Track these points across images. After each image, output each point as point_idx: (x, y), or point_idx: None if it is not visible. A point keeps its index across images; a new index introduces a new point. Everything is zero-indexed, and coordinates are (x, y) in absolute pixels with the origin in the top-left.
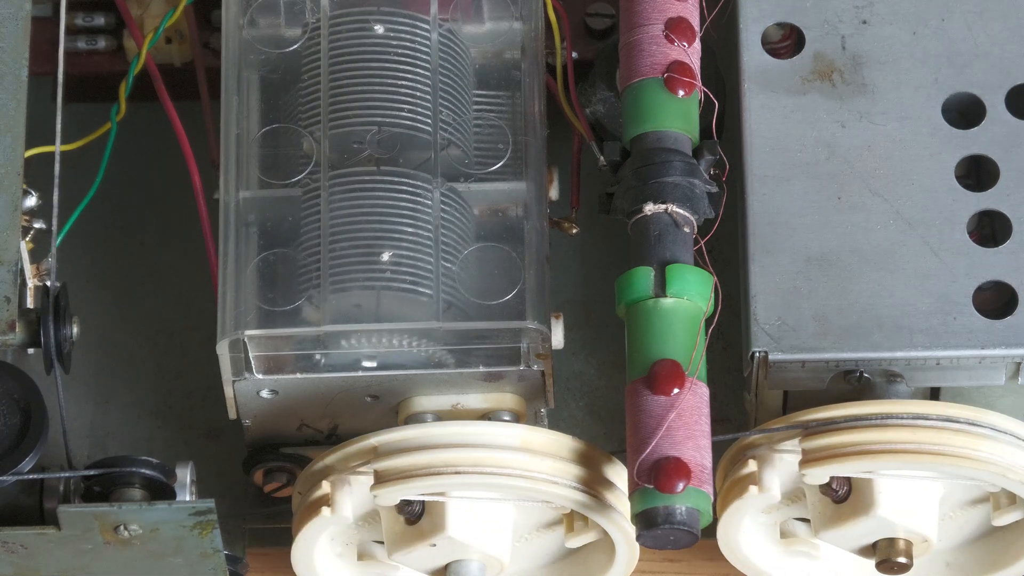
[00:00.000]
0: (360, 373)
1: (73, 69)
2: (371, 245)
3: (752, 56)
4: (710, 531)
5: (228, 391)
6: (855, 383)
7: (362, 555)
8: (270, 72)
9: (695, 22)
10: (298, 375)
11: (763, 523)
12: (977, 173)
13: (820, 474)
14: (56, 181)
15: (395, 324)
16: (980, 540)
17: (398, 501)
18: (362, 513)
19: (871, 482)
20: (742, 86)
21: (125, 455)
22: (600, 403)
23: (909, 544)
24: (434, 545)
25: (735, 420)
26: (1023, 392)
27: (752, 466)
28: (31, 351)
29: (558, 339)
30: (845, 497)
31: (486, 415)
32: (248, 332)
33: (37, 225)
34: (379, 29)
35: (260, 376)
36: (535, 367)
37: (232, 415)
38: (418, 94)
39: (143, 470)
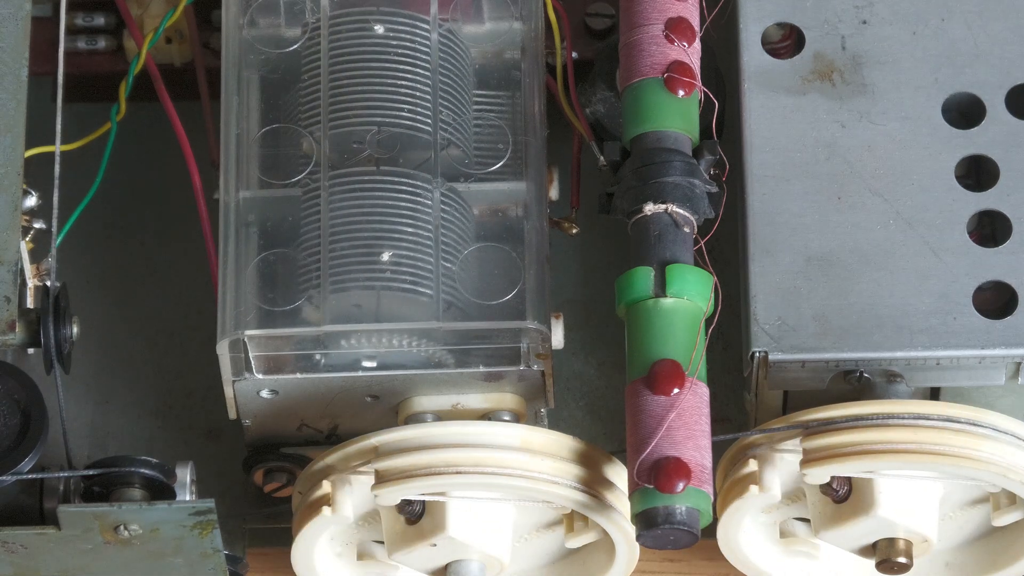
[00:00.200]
0: (360, 373)
1: (73, 69)
2: (371, 245)
3: (752, 56)
4: (710, 531)
5: (228, 391)
6: (855, 383)
7: (362, 555)
8: (270, 72)
9: (695, 22)
10: (298, 375)
11: (763, 523)
12: (977, 173)
13: (821, 474)
14: (56, 181)
15: (395, 324)
16: (980, 540)
17: (399, 501)
18: (362, 513)
19: (871, 482)
20: (742, 86)
21: (125, 455)
22: (600, 403)
23: (909, 544)
24: (434, 545)
25: (735, 420)
26: (1023, 392)
27: (753, 465)
28: (31, 351)
29: (558, 339)
30: (845, 497)
31: (486, 415)
32: (248, 332)
33: (37, 225)
34: (379, 29)
35: (260, 376)
36: (535, 367)
37: (232, 415)
38: (418, 94)
39: (143, 470)
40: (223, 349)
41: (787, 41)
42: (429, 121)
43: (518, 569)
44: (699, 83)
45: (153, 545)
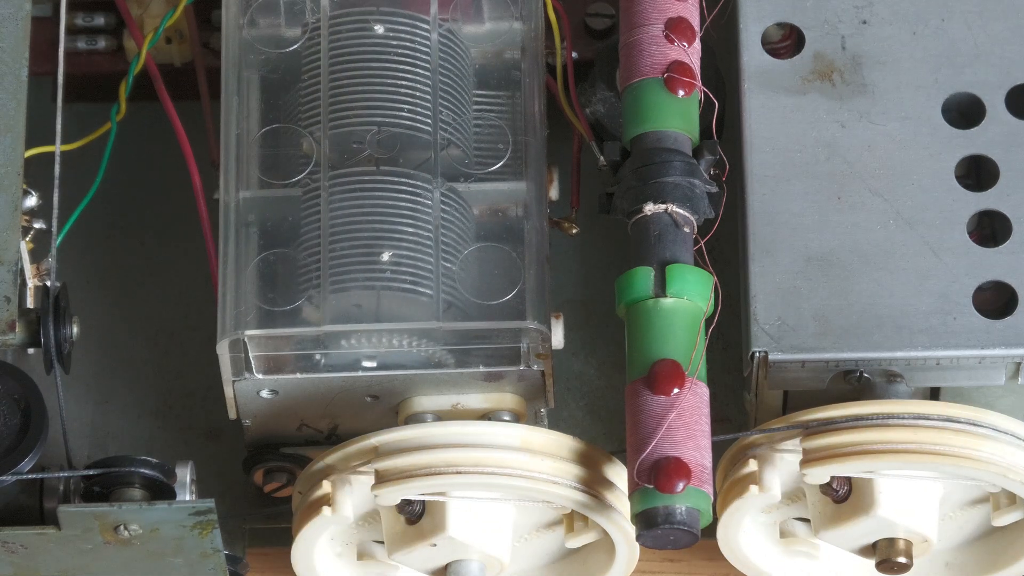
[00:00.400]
0: (360, 373)
1: (73, 69)
2: (371, 245)
3: (752, 56)
4: (710, 531)
5: (228, 391)
6: (855, 383)
7: (362, 555)
8: (270, 72)
9: (695, 22)
10: (298, 375)
11: (763, 523)
12: (977, 173)
13: (821, 474)
14: (56, 181)
15: (395, 324)
16: (980, 540)
17: (399, 501)
18: (362, 513)
19: (871, 482)
20: (742, 86)
21: (125, 455)
22: (600, 403)
23: (909, 544)
24: (434, 545)
25: (735, 420)
26: (1023, 392)
27: (752, 465)
28: (31, 351)
29: (558, 339)
30: (845, 497)
31: (486, 415)
32: (248, 332)
33: (37, 225)
34: (379, 29)
35: (260, 376)
36: (535, 367)
37: (232, 415)
38: (418, 94)
39: (143, 470)
40: (223, 349)
41: (787, 41)
42: (429, 121)
43: (518, 569)
44: (699, 83)
45: (153, 545)
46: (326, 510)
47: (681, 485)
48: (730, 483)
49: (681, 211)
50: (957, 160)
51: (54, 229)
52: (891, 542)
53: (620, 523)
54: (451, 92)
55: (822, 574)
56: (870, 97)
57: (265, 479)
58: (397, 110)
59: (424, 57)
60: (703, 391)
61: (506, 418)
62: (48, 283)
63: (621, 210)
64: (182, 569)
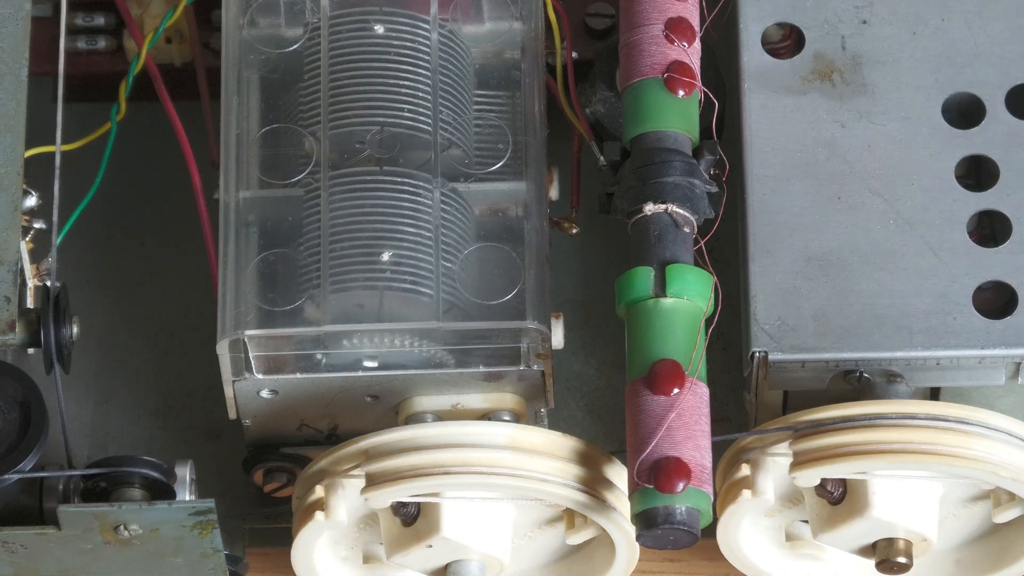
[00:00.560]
0: (360, 373)
1: (73, 69)
2: (371, 245)
3: (752, 56)
4: (710, 531)
5: (228, 391)
6: (855, 383)
7: (368, 558)
8: (270, 72)
9: (695, 22)
10: (298, 375)
11: (767, 527)
12: (977, 173)
13: (811, 476)
14: (56, 181)
15: (395, 324)
16: (985, 537)
17: (390, 503)
18: (363, 516)
19: (865, 483)
20: (742, 86)
21: (125, 455)
22: (600, 403)
23: (909, 544)
24: (430, 546)
25: (735, 420)
26: (1023, 392)
27: (746, 470)
28: (31, 351)
29: (558, 339)
30: (841, 499)
31: (486, 415)
32: (248, 332)
33: (37, 225)
34: (379, 29)
35: (260, 376)
36: (535, 367)
37: (232, 415)
38: (418, 94)
39: (143, 470)
40: (223, 349)
41: (787, 41)
42: (429, 121)
43: (518, 569)
44: (699, 83)
45: (153, 545)
46: (319, 515)
47: (681, 485)
48: (727, 486)
49: (681, 211)
50: (957, 160)
51: (54, 229)
52: (890, 542)
53: (620, 523)
54: (451, 92)
55: (823, 574)
56: (870, 97)
57: (265, 479)
58: (397, 110)
59: (424, 57)
60: (703, 391)
61: (506, 418)
62: (48, 283)
63: (621, 210)
64: (182, 569)
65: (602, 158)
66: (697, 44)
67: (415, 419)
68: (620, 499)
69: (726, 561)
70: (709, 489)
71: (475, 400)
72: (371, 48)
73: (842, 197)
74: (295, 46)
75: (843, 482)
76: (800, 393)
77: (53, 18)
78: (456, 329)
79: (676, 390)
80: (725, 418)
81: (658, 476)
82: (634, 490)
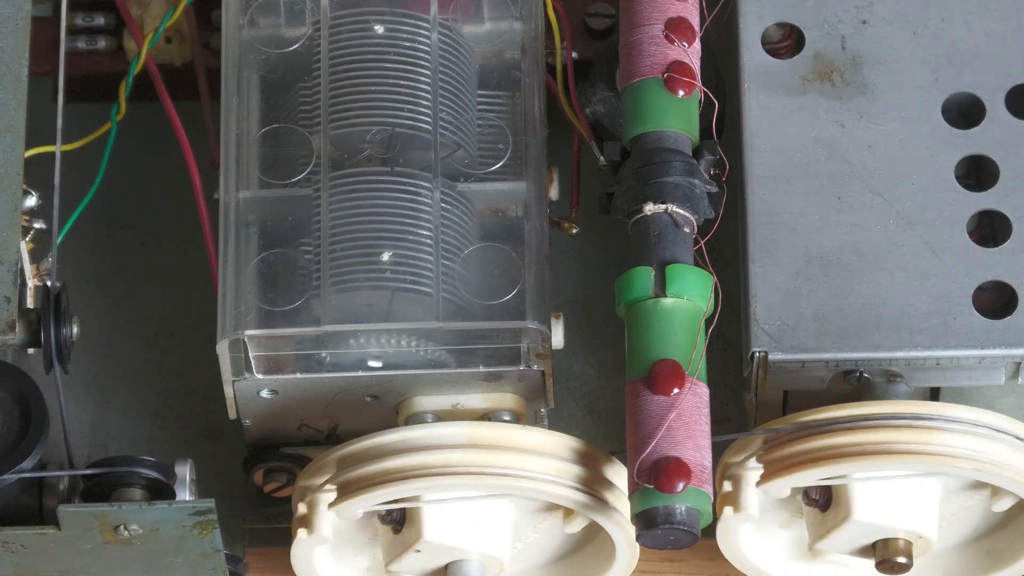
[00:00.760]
0: (360, 373)
1: (73, 69)
2: (372, 245)
3: (752, 56)
4: (710, 531)
5: (228, 391)
6: (855, 383)
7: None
8: (270, 72)
9: (695, 22)
10: (298, 375)
11: (787, 539)
12: (977, 173)
13: (779, 487)
14: (56, 181)
15: (395, 324)
16: (986, 536)
17: (359, 515)
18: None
19: (845, 487)
20: (742, 86)
21: (125, 455)
22: (600, 403)
23: (908, 544)
24: (419, 551)
25: (735, 420)
26: (1023, 392)
27: (727, 487)
28: (31, 351)
29: (558, 339)
30: (827, 505)
31: (486, 415)
32: (248, 332)
33: (37, 225)
34: (379, 29)
35: (260, 376)
36: (535, 367)
37: (232, 415)
38: (419, 94)
39: (143, 470)
40: (223, 349)
41: (787, 41)
42: (429, 121)
43: (518, 569)
44: (699, 83)
45: (153, 545)
46: (302, 532)
47: (681, 485)
48: (719, 498)
49: (681, 211)
50: (957, 160)
51: (54, 229)
52: (889, 542)
53: (620, 523)
54: (452, 92)
55: (823, 575)
56: (870, 97)
57: (265, 479)
58: (398, 110)
59: (424, 57)
60: (703, 391)
61: (506, 418)
62: (48, 283)
63: (621, 210)
64: (182, 569)
65: (602, 158)
66: (697, 44)
67: (415, 419)
68: (620, 499)
69: (726, 561)
70: (709, 489)
71: (475, 400)
72: (371, 48)
73: (842, 197)
74: (295, 46)
75: (827, 489)
76: (800, 393)
77: (53, 18)
78: (456, 329)
79: (676, 390)
80: (725, 418)
81: (658, 476)
82: (634, 490)
